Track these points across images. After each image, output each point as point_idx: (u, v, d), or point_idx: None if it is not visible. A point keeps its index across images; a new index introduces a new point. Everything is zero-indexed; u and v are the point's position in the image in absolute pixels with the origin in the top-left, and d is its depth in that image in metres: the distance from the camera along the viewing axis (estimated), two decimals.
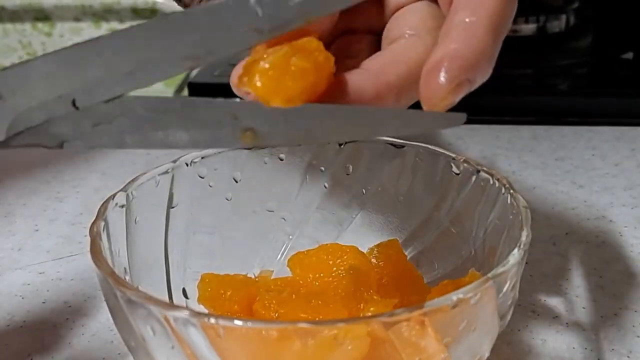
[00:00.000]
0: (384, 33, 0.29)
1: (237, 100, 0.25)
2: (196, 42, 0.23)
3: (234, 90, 0.26)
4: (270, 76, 0.24)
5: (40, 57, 0.23)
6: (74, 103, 0.23)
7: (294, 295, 0.31)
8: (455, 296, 0.24)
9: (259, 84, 0.24)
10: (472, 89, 0.26)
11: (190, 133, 0.24)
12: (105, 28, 0.84)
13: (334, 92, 0.25)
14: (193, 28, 0.23)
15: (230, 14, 0.23)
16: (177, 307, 0.25)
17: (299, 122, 0.24)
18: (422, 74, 0.25)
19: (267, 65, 0.24)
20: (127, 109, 0.24)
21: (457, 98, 0.25)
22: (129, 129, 0.24)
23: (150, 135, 0.24)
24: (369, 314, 0.30)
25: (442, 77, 0.24)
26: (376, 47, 0.30)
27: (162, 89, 0.92)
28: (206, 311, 0.32)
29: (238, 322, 0.24)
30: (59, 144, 0.24)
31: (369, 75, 0.26)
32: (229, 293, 0.32)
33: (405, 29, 0.28)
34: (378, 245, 0.36)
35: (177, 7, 0.38)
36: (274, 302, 0.30)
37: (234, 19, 0.23)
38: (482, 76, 0.26)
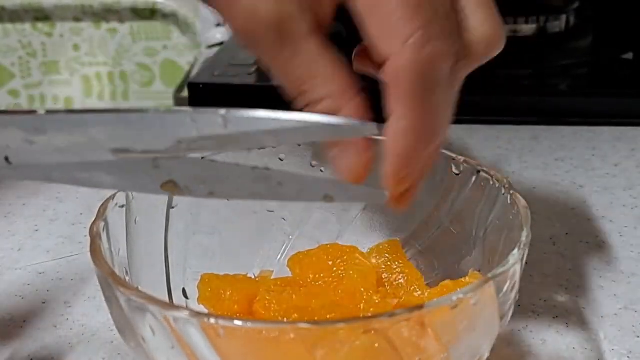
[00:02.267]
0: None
1: (160, 150, 0.25)
2: (130, 142, 0.24)
3: None
4: None
5: None
6: (7, 159, 0.24)
7: (294, 296, 0.31)
8: (455, 296, 0.25)
9: None
10: (436, 156, 0.27)
11: (114, 177, 0.25)
12: (105, 28, 0.84)
13: None
14: (127, 129, 0.24)
15: (165, 125, 0.24)
16: (177, 307, 0.25)
17: (221, 178, 0.25)
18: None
19: None
20: (54, 150, 0.25)
21: (418, 178, 0.27)
22: (56, 167, 0.25)
23: (77, 175, 0.25)
24: (369, 314, 0.30)
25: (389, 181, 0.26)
26: None
27: (163, 89, 0.92)
28: (206, 311, 0.32)
29: (238, 322, 0.24)
30: None
31: None
32: (228, 293, 0.32)
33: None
34: (378, 246, 0.36)
35: (173, 7, 0.38)
36: (274, 302, 0.30)
37: (167, 131, 0.24)
38: (433, 153, 0.27)
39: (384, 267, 0.34)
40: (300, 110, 0.27)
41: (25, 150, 0.24)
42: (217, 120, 0.23)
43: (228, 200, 0.27)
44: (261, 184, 0.25)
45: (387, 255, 0.35)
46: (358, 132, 0.24)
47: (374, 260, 0.35)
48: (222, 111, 0.23)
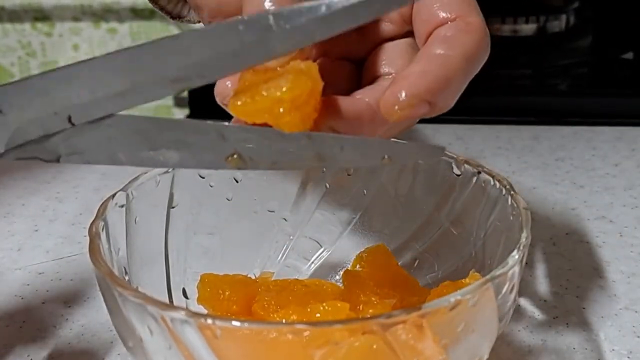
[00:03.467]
0: (365, 66, 0.30)
1: (226, 124, 0.26)
2: (186, 65, 0.24)
3: (223, 106, 0.27)
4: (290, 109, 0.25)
5: (37, 75, 0.24)
6: (69, 119, 0.24)
7: (291, 297, 0.31)
8: (453, 298, 0.24)
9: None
10: (429, 114, 0.26)
11: (180, 153, 0.25)
12: (104, 28, 0.84)
13: (326, 114, 0.26)
14: (184, 51, 0.24)
15: (219, 38, 0.24)
16: (174, 308, 0.25)
17: (283, 148, 0.25)
18: (390, 83, 0.26)
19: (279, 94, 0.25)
20: (121, 128, 0.25)
21: (413, 115, 0.26)
22: (122, 147, 0.25)
23: (143, 154, 0.25)
24: (367, 315, 0.30)
25: (404, 93, 0.25)
26: (354, 76, 0.30)
27: None
28: (205, 312, 0.32)
29: (235, 323, 0.24)
30: (56, 158, 0.25)
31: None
32: (227, 293, 0.32)
33: (385, 68, 0.29)
34: (366, 251, 0.35)
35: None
36: (272, 302, 0.30)
37: (223, 44, 0.24)
38: (443, 105, 0.27)
39: (374, 272, 0.34)
40: None
41: (87, 103, 0.24)
42: (267, 19, 0.23)
43: (292, 170, 0.27)
44: (323, 152, 0.25)
45: (375, 260, 0.34)
46: (404, 1, 0.23)
47: (363, 264, 0.35)
48: (272, 10, 0.24)
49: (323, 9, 0.23)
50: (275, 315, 0.30)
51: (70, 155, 0.25)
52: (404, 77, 0.26)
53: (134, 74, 0.24)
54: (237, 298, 0.32)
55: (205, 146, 0.25)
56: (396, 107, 0.25)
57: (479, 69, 0.28)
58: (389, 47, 0.30)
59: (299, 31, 0.23)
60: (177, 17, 0.40)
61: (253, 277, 0.36)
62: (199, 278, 0.33)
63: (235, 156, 0.25)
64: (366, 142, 0.26)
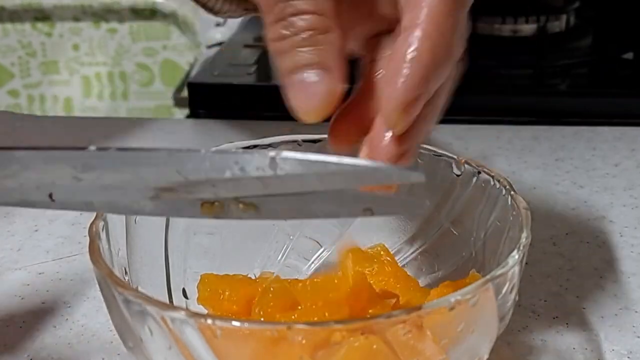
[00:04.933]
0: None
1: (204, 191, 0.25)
2: (177, 180, 0.24)
3: None
4: None
5: (24, 149, 0.24)
6: (50, 196, 0.25)
7: (292, 296, 0.31)
8: (453, 298, 0.24)
9: None
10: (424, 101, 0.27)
11: (153, 204, 0.25)
12: (104, 28, 0.84)
13: None
14: (177, 167, 0.24)
15: (213, 166, 0.24)
16: (174, 308, 0.25)
17: (259, 200, 0.25)
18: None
19: None
20: (100, 188, 0.25)
21: (408, 122, 0.27)
22: (96, 196, 0.25)
23: (117, 203, 0.25)
24: (367, 315, 0.30)
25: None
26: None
27: (163, 89, 0.92)
28: (205, 312, 0.32)
29: (235, 323, 0.24)
30: (31, 205, 0.25)
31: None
32: (227, 293, 0.32)
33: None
34: (364, 252, 0.35)
35: (173, 7, 0.38)
36: (271, 303, 0.30)
37: (214, 171, 0.24)
38: (434, 86, 0.27)
39: (377, 271, 0.34)
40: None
41: (71, 187, 0.24)
42: (265, 162, 0.23)
43: (271, 220, 0.27)
44: (302, 203, 0.25)
45: (375, 264, 0.34)
46: (405, 178, 0.24)
47: (359, 268, 0.34)
48: (272, 153, 0.23)
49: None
50: (275, 316, 0.30)
51: (46, 204, 0.25)
52: (388, 89, 0.27)
53: (124, 174, 0.24)
54: (237, 298, 0.32)
55: (180, 199, 0.25)
56: (391, 130, 0.27)
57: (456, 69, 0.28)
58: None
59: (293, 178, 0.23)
60: (217, 12, 0.39)
61: (253, 277, 0.36)
62: (199, 278, 0.33)
63: (208, 205, 0.25)
64: (347, 193, 0.25)
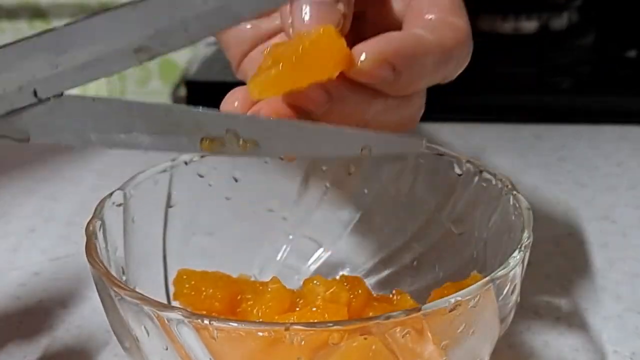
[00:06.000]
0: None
1: (199, 109, 0.26)
2: (149, 34, 0.24)
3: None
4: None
5: None
6: (35, 93, 0.24)
7: (287, 297, 0.30)
8: (453, 299, 0.24)
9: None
10: (393, 86, 0.27)
11: (152, 137, 0.25)
12: None
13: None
14: (146, 19, 0.24)
15: (183, 3, 0.24)
16: (171, 308, 0.25)
17: (260, 135, 0.25)
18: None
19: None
20: (92, 110, 0.25)
21: (375, 74, 0.26)
22: (93, 128, 0.25)
23: (114, 136, 0.25)
24: (366, 316, 0.30)
25: (371, 48, 0.26)
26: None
27: (160, 87, 0.91)
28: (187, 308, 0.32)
29: (232, 324, 0.24)
30: (26, 138, 0.25)
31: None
32: (210, 291, 0.32)
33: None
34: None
35: None
36: (270, 304, 0.30)
37: (187, 9, 0.23)
38: (407, 80, 0.27)
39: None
40: None
41: (52, 76, 0.24)
42: None
43: (268, 156, 0.27)
44: (300, 139, 0.25)
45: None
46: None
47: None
48: None
49: None
50: (276, 317, 0.30)
51: (40, 135, 0.25)
52: (375, 38, 0.26)
53: (96, 44, 0.24)
54: (222, 296, 0.31)
55: (179, 131, 0.25)
56: (361, 58, 0.26)
57: (453, 71, 0.28)
58: None
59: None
60: None
61: (253, 278, 0.36)
62: (176, 273, 0.33)
63: (208, 141, 0.25)
64: (344, 132, 0.26)
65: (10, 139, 0.25)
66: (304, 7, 0.27)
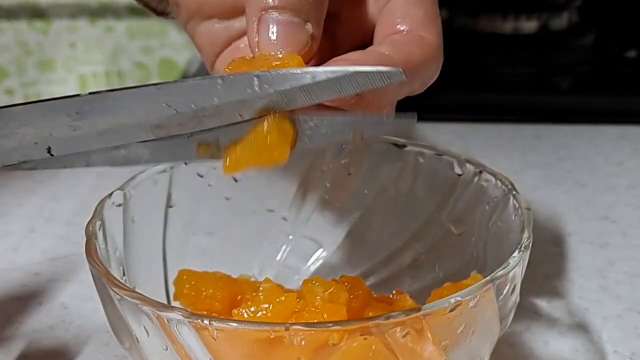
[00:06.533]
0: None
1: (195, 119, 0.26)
2: (168, 115, 0.25)
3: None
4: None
5: (17, 105, 0.25)
6: (49, 150, 0.25)
7: (285, 297, 0.30)
8: (453, 299, 0.24)
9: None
10: (357, 105, 0.26)
11: (151, 151, 0.26)
12: (101, 26, 0.83)
13: None
14: (167, 101, 0.25)
15: (204, 92, 0.25)
16: (171, 308, 0.25)
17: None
18: None
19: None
20: (96, 134, 0.25)
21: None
22: (94, 150, 0.26)
23: (114, 154, 0.26)
24: (366, 316, 0.29)
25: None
26: None
27: None
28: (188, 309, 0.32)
29: (232, 324, 0.24)
30: (32, 167, 0.26)
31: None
32: (210, 291, 0.32)
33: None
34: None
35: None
36: (272, 305, 0.30)
37: (206, 98, 0.25)
38: (371, 100, 0.27)
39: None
40: None
41: (68, 138, 0.25)
42: (252, 80, 0.24)
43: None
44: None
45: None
46: (387, 77, 0.24)
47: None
48: (257, 72, 0.25)
49: (308, 78, 0.24)
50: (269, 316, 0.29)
51: (46, 163, 0.26)
52: (336, 59, 0.26)
53: (117, 116, 0.25)
54: (222, 296, 0.31)
55: (176, 141, 0.26)
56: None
57: (420, 87, 0.28)
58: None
59: (281, 96, 0.24)
60: (161, 13, 0.40)
61: (253, 278, 0.36)
62: (176, 273, 0.33)
63: (204, 146, 0.26)
64: (337, 118, 0.26)
65: (18, 170, 0.26)
66: (271, 25, 0.26)
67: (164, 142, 0.25)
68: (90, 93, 0.25)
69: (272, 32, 0.26)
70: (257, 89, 0.24)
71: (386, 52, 0.27)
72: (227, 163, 0.26)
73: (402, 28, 0.28)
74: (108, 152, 0.25)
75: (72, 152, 0.25)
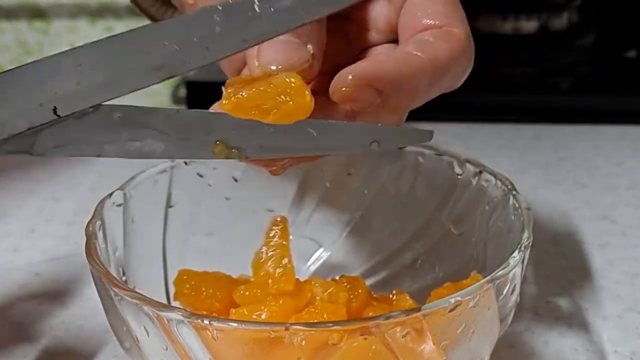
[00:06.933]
0: None
1: (210, 111, 0.26)
2: (169, 53, 0.24)
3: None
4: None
5: (20, 67, 0.24)
6: (55, 111, 0.24)
7: (284, 299, 0.30)
8: (453, 299, 0.24)
9: None
10: (383, 107, 0.26)
11: (165, 145, 0.25)
12: (101, 26, 0.83)
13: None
14: (166, 39, 0.24)
15: (203, 23, 0.24)
16: (171, 308, 0.25)
17: (270, 136, 0.25)
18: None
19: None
20: (106, 118, 0.25)
21: (358, 98, 0.25)
22: (107, 138, 0.25)
23: (128, 145, 0.25)
24: (366, 316, 0.29)
25: (353, 73, 0.25)
26: None
27: (160, 87, 0.91)
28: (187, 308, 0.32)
29: (232, 324, 0.24)
30: (41, 152, 0.25)
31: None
32: (210, 291, 0.32)
33: None
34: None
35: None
36: (272, 304, 0.30)
37: (207, 29, 0.24)
38: (398, 101, 0.26)
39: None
40: None
41: (73, 94, 0.24)
42: (252, 3, 0.24)
43: (279, 156, 0.27)
44: (308, 138, 0.25)
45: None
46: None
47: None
48: None
49: None
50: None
51: (56, 149, 0.25)
52: (359, 62, 0.26)
53: (117, 63, 0.24)
54: (222, 296, 0.31)
55: (191, 137, 0.25)
56: (343, 86, 0.25)
57: (454, 81, 0.28)
58: (374, 49, 0.30)
59: (283, 14, 0.24)
60: (153, 16, 0.39)
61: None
62: (176, 273, 0.33)
63: (220, 145, 0.25)
64: (352, 127, 0.26)
65: (29, 154, 0.25)
66: (273, 44, 0.26)
67: (180, 138, 0.25)
68: (87, 43, 0.24)
69: (273, 49, 0.26)
70: (257, 9, 0.24)
71: (411, 52, 0.26)
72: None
73: (428, 23, 0.27)
74: (121, 143, 0.25)
75: (77, 109, 0.24)
